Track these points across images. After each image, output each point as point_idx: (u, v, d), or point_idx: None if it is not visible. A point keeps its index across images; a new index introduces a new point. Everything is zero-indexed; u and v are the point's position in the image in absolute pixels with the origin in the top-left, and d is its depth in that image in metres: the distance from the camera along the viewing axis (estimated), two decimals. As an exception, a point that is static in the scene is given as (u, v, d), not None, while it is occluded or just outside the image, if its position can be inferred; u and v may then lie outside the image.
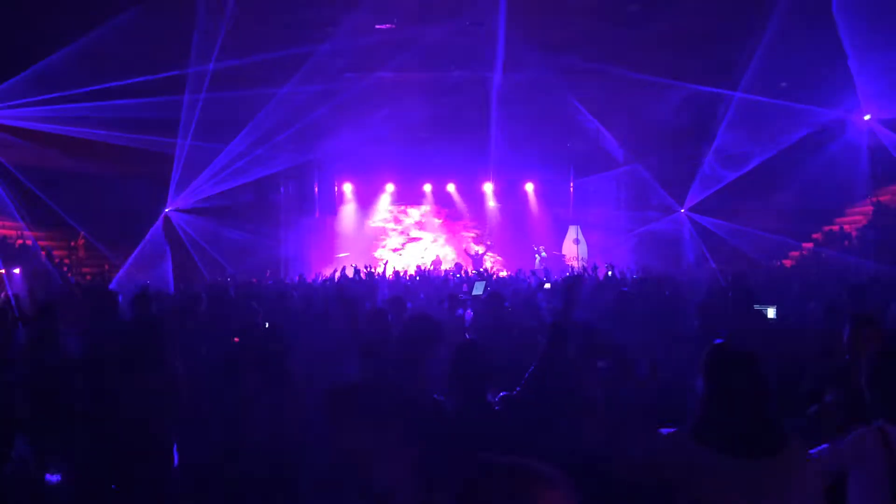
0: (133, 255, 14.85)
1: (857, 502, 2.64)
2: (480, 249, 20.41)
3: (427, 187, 22.00)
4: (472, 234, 22.17)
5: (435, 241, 22.55)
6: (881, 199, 16.07)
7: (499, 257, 21.32)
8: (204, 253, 17.08)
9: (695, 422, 2.34)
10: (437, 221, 22.60)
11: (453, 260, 20.64)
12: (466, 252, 20.34)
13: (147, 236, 15.51)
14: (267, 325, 5.43)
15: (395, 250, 22.29)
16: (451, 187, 21.89)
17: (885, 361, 2.76)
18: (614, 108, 16.47)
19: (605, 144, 18.89)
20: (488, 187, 21.76)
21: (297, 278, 13.99)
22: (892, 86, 12.49)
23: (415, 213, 22.64)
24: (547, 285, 9.70)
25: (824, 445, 2.71)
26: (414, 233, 22.65)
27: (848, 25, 11.45)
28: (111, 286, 11.64)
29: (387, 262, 16.76)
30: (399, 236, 22.61)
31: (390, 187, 21.92)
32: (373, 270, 13.33)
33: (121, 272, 14.29)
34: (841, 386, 3.36)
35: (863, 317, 3.80)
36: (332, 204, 21.79)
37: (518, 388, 3.18)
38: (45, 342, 4.48)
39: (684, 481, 2.27)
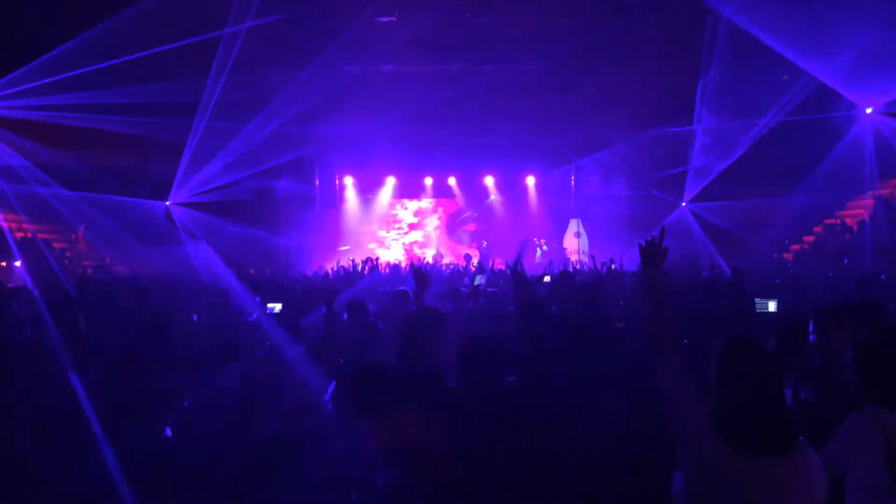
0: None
1: (856, 487, 2.66)
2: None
3: (428, 181, 21.95)
4: (471, 229, 22.10)
5: (434, 234, 22.52)
6: (882, 192, 16.04)
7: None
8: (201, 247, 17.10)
9: (711, 416, 2.31)
10: (435, 217, 22.56)
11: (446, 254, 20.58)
12: (477, 246, 20.34)
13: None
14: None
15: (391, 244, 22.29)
16: (451, 181, 21.84)
17: (872, 351, 2.78)
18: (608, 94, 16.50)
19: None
20: (489, 180, 21.72)
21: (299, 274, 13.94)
22: (880, 72, 12.56)
23: (414, 207, 22.59)
24: (546, 278, 9.69)
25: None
26: (413, 226, 22.63)
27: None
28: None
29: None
30: (399, 230, 22.58)
31: (391, 180, 21.87)
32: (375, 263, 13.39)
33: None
34: (814, 380, 3.36)
35: (827, 311, 3.80)
36: (333, 197, 21.75)
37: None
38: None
39: (701, 473, 2.27)
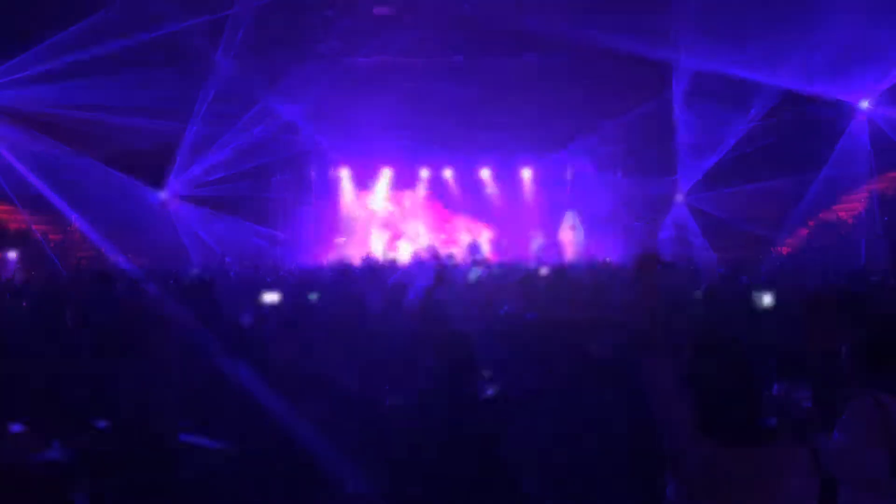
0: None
1: (854, 480, 2.61)
2: (485, 236, 20.29)
3: (424, 173, 21.82)
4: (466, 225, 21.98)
5: (428, 227, 22.44)
6: (878, 186, 16.04)
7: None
8: (197, 240, 17.08)
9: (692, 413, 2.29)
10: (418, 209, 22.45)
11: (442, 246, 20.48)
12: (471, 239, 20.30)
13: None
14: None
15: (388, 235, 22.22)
16: (447, 173, 21.72)
17: (875, 339, 2.79)
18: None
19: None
20: (485, 173, 21.62)
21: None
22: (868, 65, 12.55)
23: (410, 200, 22.49)
24: (543, 270, 9.71)
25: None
26: (409, 219, 22.54)
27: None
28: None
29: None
30: (394, 222, 22.48)
31: (387, 172, 21.75)
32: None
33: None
34: (803, 374, 3.31)
35: (817, 300, 3.79)
36: (329, 190, 21.65)
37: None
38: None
39: (691, 473, 2.25)
